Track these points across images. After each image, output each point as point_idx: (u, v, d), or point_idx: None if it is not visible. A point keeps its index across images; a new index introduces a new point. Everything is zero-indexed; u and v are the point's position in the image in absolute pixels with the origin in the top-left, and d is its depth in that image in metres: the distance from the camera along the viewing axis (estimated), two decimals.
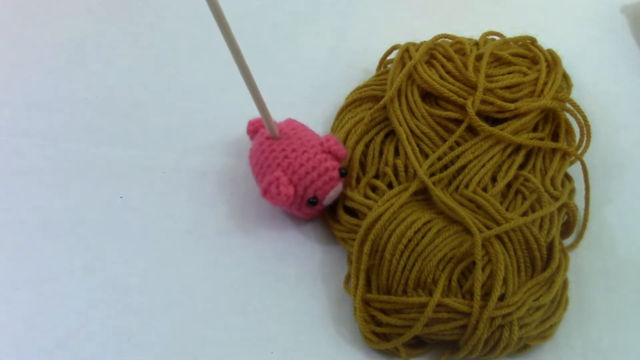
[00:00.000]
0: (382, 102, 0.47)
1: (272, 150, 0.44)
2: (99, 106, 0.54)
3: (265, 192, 0.43)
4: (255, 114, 0.53)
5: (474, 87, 0.46)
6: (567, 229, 0.46)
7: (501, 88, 0.46)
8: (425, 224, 0.41)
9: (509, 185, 0.44)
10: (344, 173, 0.44)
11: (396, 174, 0.45)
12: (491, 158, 0.45)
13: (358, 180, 0.46)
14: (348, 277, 0.44)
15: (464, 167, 0.44)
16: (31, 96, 0.54)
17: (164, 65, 0.56)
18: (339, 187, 0.44)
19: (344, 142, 0.48)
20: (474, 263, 0.39)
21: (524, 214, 0.42)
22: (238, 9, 0.60)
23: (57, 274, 0.45)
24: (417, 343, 0.42)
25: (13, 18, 0.60)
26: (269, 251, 0.46)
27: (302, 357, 0.42)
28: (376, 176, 0.46)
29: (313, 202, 0.43)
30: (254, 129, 0.47)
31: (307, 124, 0.47)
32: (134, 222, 0.47)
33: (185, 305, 0.44)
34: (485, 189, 0.44)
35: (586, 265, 0.45)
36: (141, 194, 0.49)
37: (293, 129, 0.45)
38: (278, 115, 0.53)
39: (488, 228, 0.41)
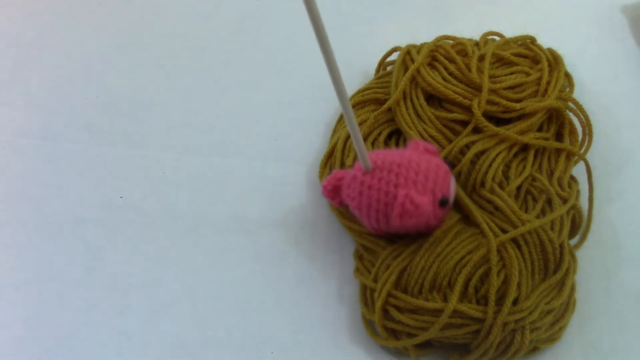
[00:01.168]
0: (387, 105, 0.47)
1: (379, 179, 0.39)
2: (99, 106, 0.54)
3: (402, 215, 0.38)
4: (255, 115, 0.53)
5: (477, 89, 0.46)
6: (572, 230, 0.45)
7: (505, 88, 0.46)
8: (445, 230, 0.41)
9: (518, 187, 0.44)
10: (450, 162, 0.42)
11: None
12: (499, 154, 0.44)
13: None
14: (357, 269, 0.44)
15: (473, 162, 0.44)
16: (31, 96, 0.54)
17: (164, 65, 0.56)
18: (454, 178, 0.42)
19: (346, 142, 0.47)
20: (489, 268, 0.39)
21: (537, 216, 0.42)
22: (238, 9, 0.60)
23: (57, 274, 0.45)
24: (425, 343, 0.41)
25: (13, 18, 0.60)
26: (269, 251, 0.46)
27: (302, 357, 0.42)
28: None
29: (445, 201, 0.40)
30: (333, 188, 0.42)
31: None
32: (134, 222, 0.47)
33: (185, 305, 0.44)
34: (500, 185, 0.43)
35: (587, 265, 0.45)
36: (141, 194, 0.49)
37: (378, 154, 0.41)
38: (278, 115, 0.53)
39: (504, 231, 0.40)
